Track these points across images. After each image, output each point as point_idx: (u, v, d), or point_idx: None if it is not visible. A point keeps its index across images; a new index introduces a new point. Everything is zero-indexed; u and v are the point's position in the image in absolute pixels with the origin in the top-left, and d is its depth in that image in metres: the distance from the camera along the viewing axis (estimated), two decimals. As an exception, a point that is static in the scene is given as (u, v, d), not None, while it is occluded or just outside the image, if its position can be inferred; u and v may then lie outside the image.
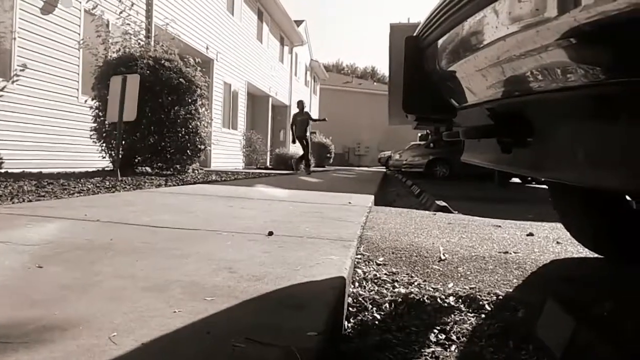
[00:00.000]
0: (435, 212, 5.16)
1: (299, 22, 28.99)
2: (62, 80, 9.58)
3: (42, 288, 1.60)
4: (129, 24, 10.14)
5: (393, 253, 2.77)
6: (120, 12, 10.20)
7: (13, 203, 3.91)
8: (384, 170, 27.11)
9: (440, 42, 1.66)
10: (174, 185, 7.03)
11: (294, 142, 15.66)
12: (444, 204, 6.13)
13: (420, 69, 1.85)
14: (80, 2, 10.00)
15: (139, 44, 10.23)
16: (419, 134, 25.86)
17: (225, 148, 18.19)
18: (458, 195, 9.20)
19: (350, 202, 5.07)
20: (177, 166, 9.89)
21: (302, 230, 3.06)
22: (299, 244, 2.57)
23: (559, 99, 1.19)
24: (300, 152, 17.65)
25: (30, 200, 4.11)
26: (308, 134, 15.27)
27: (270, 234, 2.82)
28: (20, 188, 5.20)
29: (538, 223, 4.54)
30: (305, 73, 35.76)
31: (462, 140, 2.02)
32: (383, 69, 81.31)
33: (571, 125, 1.19)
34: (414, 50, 1.86)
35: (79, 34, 10.00)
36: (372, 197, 6.11)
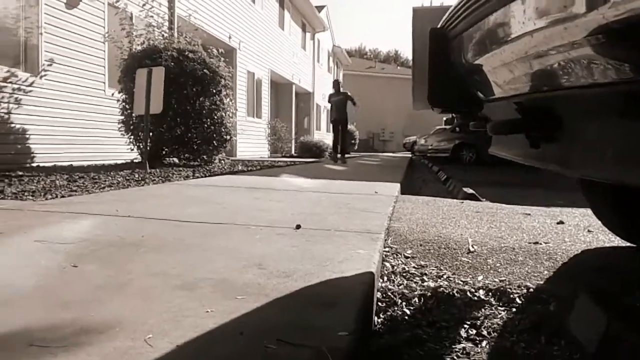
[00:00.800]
0: (462, 201, 5.12)
1: (320, 8, 28.82)
2: (88, 74, 9.72)
3: (77, 288, 1.64)
4: (152, 16, 10.21)
5: (421, 245, 2.76)
6: (144, 5, 10.28)
7: (46, 199, 4.00)
8: (410, 155, 26.96)
9: (465, 34, 1.64)
10: (202, 177, 7.10)
11: (331, 122, 14.39)
12: (471, 191, 6.08)
13: (445, 61, 1.83)
14: (104, -4, 10.10)
15: (163, 36, 10.30)
16: (444, 118, 25.58)
17: (250, 137, 18.29)
18: (486, 181, 9.11)
19: (376, 192, 5.06)
20: (204, 157, 9.99)
21: (329, 222, 3.07)
22: (326, 237, 2.58)
23: (587, 95, 1.17)
24: (326, 140, 17.23)
25: (63, 196, 4.20)
26: (350, 117, 14.07)
27: (298, 227, 2.83)
28: (53, 183, 5.32)
29: (568, 209, 4.48)
30: (328, 59, 35.62)
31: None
32: (406, 53, 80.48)
33: (600, 121, 1.17)
34: (438, 43, 1.84)
35: (104, 28, 10.11)
36: (398, 185, 6.08)
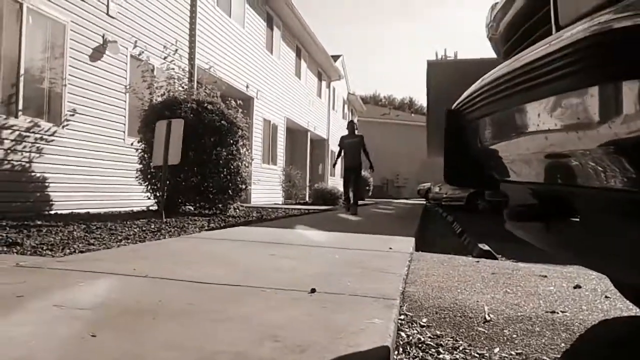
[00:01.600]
0: (478, 260, 5.09)
1: (336, 57, 29.43)
2: (109, 123, 9.96)
3: (96, 363, 1.66)
4: (173, 69, 10.49)
5: (437, 313, 2.75)
6: (165, 57, 10.58)
7: (65, 254, 4.05)
8: (424, 202, 26.88)
9: (481, 120, 1.68)
10: (217, 227, 7.15)
11: (344, 169, 12.54)
12: (487, 247, 6.03)
13: (460, 142, 1.88)
14: (127, 49, 10.44)
15: (183, 87, 10.57)
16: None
17: (265, 183, 18.43)
18: (501, 233, 9.03)
19: (391, 248, 5.05)
20: (220, 205, 10.05)
21: (343, 284, 3.07)
22: (341, 304, 2.58)
23: (602, 195, 1.19)
24: (339, 187, 16.84)
25: (81, 251, 4.26)
26: (363, 162, 12.33)
27: (313, 291, 2.83)
28: (71, 234, 5.39)
29: (584, 271, 4.42)
30: (343, 106, 36.13)
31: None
32: (421, 100, 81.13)
33: (614, 220, 1.19)
34: (454, 124, 1.89)
35: (126, 79, 10.42)
36: (413, 240, 6.06)
